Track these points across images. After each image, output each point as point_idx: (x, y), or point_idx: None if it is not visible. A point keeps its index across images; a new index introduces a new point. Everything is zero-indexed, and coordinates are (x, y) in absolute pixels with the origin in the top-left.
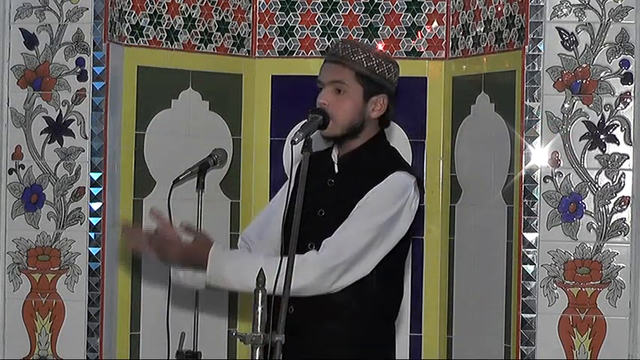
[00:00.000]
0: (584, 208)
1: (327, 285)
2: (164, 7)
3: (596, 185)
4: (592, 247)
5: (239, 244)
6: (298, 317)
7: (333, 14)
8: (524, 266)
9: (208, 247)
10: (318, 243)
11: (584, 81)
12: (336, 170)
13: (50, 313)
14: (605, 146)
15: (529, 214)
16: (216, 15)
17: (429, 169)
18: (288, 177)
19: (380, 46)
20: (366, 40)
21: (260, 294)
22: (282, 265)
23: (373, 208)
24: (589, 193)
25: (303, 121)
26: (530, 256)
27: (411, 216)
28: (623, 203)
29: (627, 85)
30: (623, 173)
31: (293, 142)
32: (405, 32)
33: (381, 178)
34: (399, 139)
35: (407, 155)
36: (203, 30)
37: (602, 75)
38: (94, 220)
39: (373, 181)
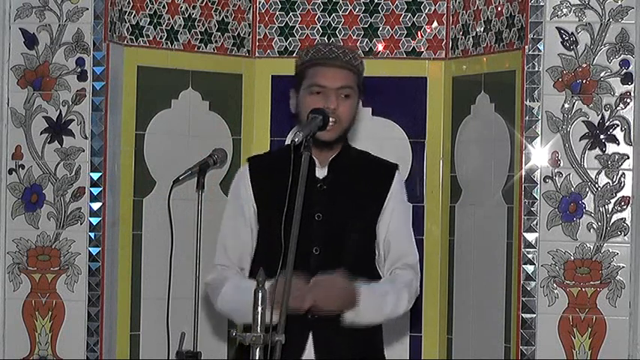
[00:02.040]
0: (584, 208)
1: None
2: (164, 7)
3: (596, 185)
4: (592, 247)
5: (213, 278)
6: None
7: (333, 14)
8: (524, 266)
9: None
10: (322, 247)
11: (584, 81)
12: (324, 174)
13: (50, 313)
14: (605, 146)
15: (529, 214)
16: (216, 15)
17: (429, 169)
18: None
19: (380, 46)
20: (366, 40)
21: (260, 294)
22: (408, 300)
23: (407, 217)
24: (589, 193)
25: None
26: (530, 256)
27: None
28: (623, 203)
29: (627, 85)
30: (623, 173)
31: (293, 142)
32: (405, 32)
33: (376, 177)
34: (399, 139)
35: (407, 155)
36: (203, 30)
37: (602, 75)
38: (94, 220)
39: (368, 181)
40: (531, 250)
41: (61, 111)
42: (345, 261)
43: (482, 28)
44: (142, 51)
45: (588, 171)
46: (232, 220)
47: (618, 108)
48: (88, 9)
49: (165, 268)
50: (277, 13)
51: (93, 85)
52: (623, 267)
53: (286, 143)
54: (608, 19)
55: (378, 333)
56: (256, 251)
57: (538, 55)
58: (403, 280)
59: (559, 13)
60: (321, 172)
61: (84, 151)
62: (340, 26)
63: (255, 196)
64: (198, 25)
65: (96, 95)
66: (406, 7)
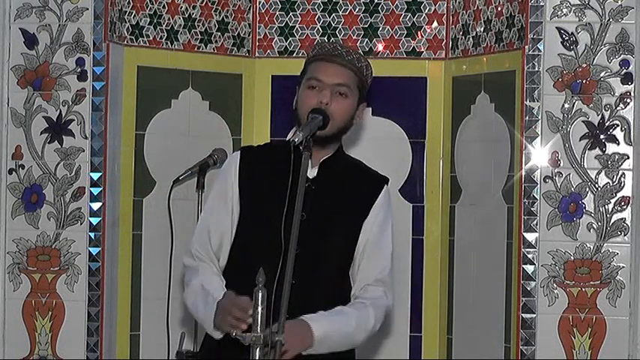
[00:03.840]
0: (584, 208)
1: None
2: (164, 7)
3: (596, 185)
4: (592, 247)
5: (190, 264)
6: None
7: (333, 14)
8: (524, 266)
9: (310, 337)
10: (302, 247)
11: (584, 81)
12: (315, 174)
13: (50, 313)
14: (605, 146)
15: (529, 214)
16: (216, 15)
17: (429, 169)
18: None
19: (380, 46)
20: (366, 40)
21: (260, 294)
22: (374, 319)
23: (388, 233)
24: (589, 193)
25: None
26: (530, 256)
27: None
28: (623, 203)
29: (627, 85)
30: (623, 173)
31: (293, 142)
32: (405, 32)
33: (363, 186)
34: (399, 139)
35: (407, 155)
36: (203, 30)
37: (602, 75)
38: (94, 220)
39: (355, 188)
40: (531, 250)
41: (61, 111)
42: (323, 263)
43: (482, 28)
44: (142, 51)
45: (588, 171)
46: (216, 204)
47: (618, 108)
48: (88, 9)
49: (165, 268)
50: (277, 13)
51: (93, 85)
52: (623, 267)
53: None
54: (608, 19)
55: None
56: (237, 243)
57: (538, 55)
58: (371, 298)
59: (559, 13)
60: (311, 172)
61: (84, 151)
62: (340, 26)
63: (240, 185)
64: (198, 25)
65: (96, 95)
66: (406, 7)
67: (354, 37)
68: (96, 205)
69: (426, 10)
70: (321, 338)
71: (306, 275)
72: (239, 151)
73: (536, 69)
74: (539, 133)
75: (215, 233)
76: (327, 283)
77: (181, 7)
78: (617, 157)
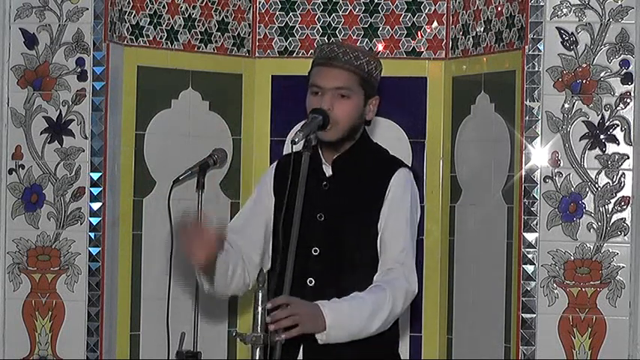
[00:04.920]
0: (584, 208)
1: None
2: (164, 7)
3: (596, 185)
4: (592, 247)
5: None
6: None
7: (333, 14)
8: (524, 266)
9: (322, 317)
10: (322, 248)
11: (584, 81)
12: (330, 173)
13: (50, 313)
14: (605, 146)
15: (529, 214)
16: (216, 15)
17: (429, 169)
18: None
19: (380, 46)
20: (366, 40)
21: (260, 294)
22: (392, 300)
23: (404, 214)
24: (589, 193)
25: (303, 121)
26: (530, 256)
27: (419, 207)
28: (623, 203)
29: (627, 85)
30: (623, 173)
31: (293, 142)
32: (405, 32)
33: (377, 176)
34: (399, 139)
35: (407, 155)
36: (203, 30)
37: (602, 75)
38: (94, 220)
39: (370, 181)
40: (531, 250)
41: (61, 111)
42: (345, 261)
43: (482, 28)
44: (142, 51)
45: (588, 171)
46: (247, 207)
47: (618, 108)
48: (88, 9)
49: (165, 268)
50: (277, 13)
51: (93, 85)
52: (623, 267)
53: (286, 143)
54: (608, 19)
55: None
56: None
57: (538, 55)
58: (388, 281)
59: (559, 13)
60: (328, 171)
61: (84, 151)
62: (340, 26)
63: (274, 192)
64: (198, 25)
65: (96, 95)
66: (406, 7)
67: (354, 37)
68: (96, 205)
69: (426, 10)
70: (333, 321)
71: (326, 275)
72: (277, 160)
73: (536, 69)
74: (539, 133)
75: (239, 220)
76: (349, 282)
77: (181, 7)
78: (617, 157)
